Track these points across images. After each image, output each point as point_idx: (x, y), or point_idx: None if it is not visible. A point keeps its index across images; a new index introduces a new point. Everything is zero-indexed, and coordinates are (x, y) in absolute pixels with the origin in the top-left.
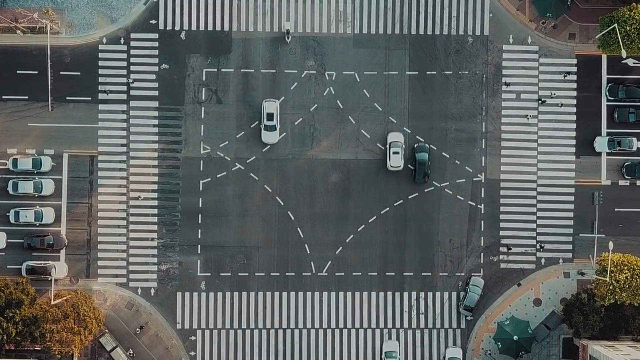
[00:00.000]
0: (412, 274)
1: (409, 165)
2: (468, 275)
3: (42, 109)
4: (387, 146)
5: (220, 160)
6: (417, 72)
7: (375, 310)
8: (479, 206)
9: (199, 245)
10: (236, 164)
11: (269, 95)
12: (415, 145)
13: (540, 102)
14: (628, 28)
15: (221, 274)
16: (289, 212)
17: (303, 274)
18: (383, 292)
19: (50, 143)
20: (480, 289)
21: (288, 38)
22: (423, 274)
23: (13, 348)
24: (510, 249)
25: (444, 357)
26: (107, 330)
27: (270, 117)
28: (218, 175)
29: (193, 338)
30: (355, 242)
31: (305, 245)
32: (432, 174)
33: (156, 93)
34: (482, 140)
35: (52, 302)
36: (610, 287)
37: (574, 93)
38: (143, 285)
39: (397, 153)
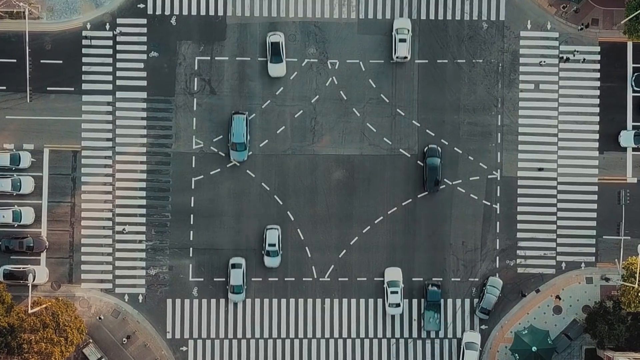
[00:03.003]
0: (421, 279)
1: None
2: (482, 280)
3: (20, 100)
4: (394, 33)
5: (213, 156)
6: (427, 61)
7: (381, 318)
8: (494, 206)
9: (191, 248)
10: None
11: (266, 87)
12: (426, 149)
13: (563, 60)
14: None
15: (215, 279)
16: (288, 212)
17: (303, 279)
18: None
19: (30, 137)
20: (498, 290)
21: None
22: (434, 279)
23: None
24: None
25: (461, 341)
26: (91, 340)
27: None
28: (211, 172)
29: (184, 348)
30: (360, 244)
31: (306, 248)
32: (444, 171)
33: (144, 83)
34: (497, 135)
35: (30, 311)
36: (639, 294)
37: (597, 83)
38: (130, 291)
39: (404, 40)
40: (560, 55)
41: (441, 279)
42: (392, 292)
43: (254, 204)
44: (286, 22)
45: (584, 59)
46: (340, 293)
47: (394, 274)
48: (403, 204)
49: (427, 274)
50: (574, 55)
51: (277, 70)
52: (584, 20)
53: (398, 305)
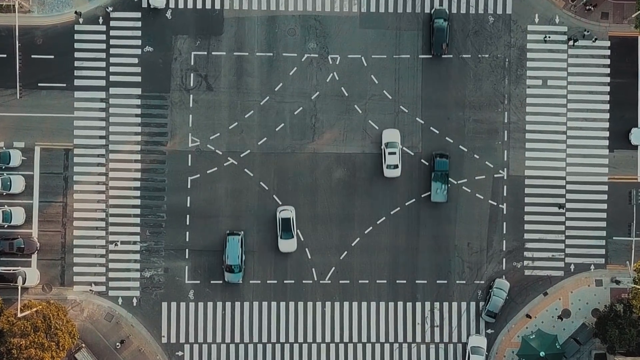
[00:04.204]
0: (425, 281)
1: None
2: (488, 283)
3: (10, 96)
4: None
5: (210, 154)
6: (431, 56)
7: (384, 322)
8: (500, 206)
9: (187, 250)
10: (228, 158)
11: (265, 83)
12: (433, 11)
13: (572, 43)
14: None
15: (211, 282)
16: None
17: (303, 281)
18: (393, 302)
19: (20, 135)
20: (505, 292)
21: None
22: (438, 282)
23: None
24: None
25: (467, 345)
26: (83, 345)
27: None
28: (208, 171)
29: (180, 353)
30: (361, 246)
31: (306, 249)
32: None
33: (139, 79)
34: (504, 132)
35: (20, 314)
36: None
37: (607, 79)
38: (124, 294)
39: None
40: (569, 36)
41: (448, 153)
42: (389, 153)
43: (252, 204)
44: (285, 16)
45: (595, 39)
46: (341, 296)
47: (392, 135)
48: (406, 204)
49: (431, 276)
50: (583, 37)
51: (287, 245)
52: (594, 16)
53: (396, 166)
